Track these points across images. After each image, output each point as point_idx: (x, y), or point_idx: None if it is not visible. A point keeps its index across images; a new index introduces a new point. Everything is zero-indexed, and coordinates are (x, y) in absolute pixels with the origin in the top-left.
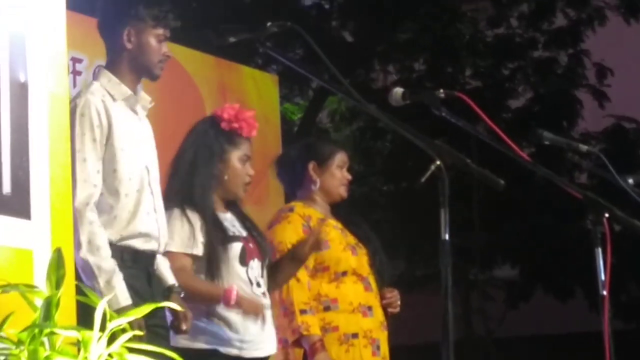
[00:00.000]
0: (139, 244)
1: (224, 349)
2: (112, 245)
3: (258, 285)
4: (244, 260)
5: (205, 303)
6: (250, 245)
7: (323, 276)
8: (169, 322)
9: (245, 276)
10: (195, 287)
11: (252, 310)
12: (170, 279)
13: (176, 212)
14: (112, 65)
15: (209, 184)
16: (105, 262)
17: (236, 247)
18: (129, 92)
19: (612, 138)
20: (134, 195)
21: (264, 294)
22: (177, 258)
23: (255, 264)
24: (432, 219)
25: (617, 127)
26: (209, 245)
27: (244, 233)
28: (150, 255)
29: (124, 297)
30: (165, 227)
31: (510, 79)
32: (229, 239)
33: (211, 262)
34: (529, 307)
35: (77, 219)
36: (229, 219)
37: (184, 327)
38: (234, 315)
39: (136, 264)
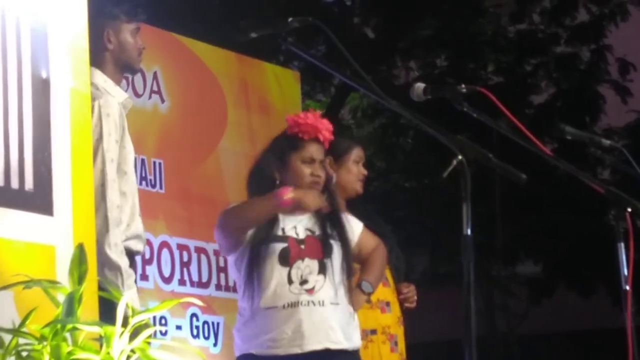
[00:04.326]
0: (134, 244)
1: (257, 351)
2: None
3: (303, 282)
4: (286, 260)
5: (263, 214)
6: (302, 246)
7: None
8: None
9: (284, 275)
10: (247, 205)
11: (310, 200)
12: None
13: None
14: (98, 67)
15: (268, 185)
16: (127, 265)
17: (276, 247)
18: (126, 94)
19: (635, 133)
20: (133, 197)
21: (308, 290)
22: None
23: (305, 263)
24: (455, 215)
25: (639, 122)
26: (252, 241)
27: (301, 235)
28: (138, 256)
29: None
30: None
31: (532, 75)
32: (271, 238)
33: (252, 258)
34: (551, 304)
35: (112, 220)
36: (291, 220)
37: None
38: (267, 315)
39: (131, 267)
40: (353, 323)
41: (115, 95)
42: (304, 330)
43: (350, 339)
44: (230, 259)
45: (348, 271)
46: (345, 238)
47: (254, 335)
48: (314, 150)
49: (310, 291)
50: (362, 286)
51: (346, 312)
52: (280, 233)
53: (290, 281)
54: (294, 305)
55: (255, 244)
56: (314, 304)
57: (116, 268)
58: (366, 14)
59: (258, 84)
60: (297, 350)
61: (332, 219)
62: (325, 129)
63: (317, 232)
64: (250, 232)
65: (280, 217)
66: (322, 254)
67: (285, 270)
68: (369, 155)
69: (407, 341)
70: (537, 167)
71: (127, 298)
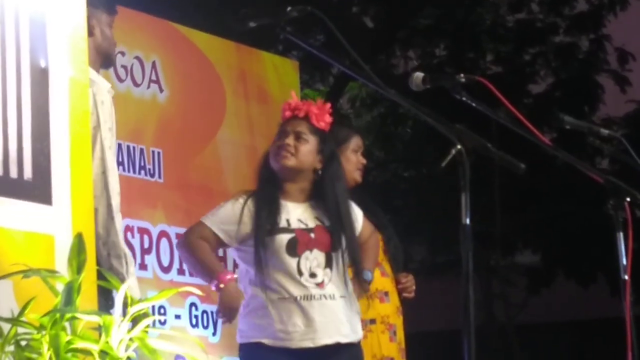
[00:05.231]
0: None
1: (268, 341)
2: None
3: (312, 275)
4: (293, 251)
5: (201, 275)
6: (311, 235)
7: None
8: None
9: (294, 266)
10: (199, 257)
11: (223, 304)
12: None
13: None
14: None
15: (268, 174)
16: (129, 252)
17: (282, 239)
18: (108, 84)
19: (634, 123)
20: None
21: (318, 284)
22: (204, 228)
23: (313, 255)
24: (453, 205)
25: (638, 112)
26: (255, 235)
27: (311, 224)
28: None
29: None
30: None
31: (531, 64)
32: (276, 230)
33: (257, 251)
34: (550, 293)
35: (115, 207)
36: (295, 209)
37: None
38: (279, 306)
39: None
40: (357, 314)
41: (102, 85)
42: (316, 324)
43: (356, 331)
44: (233, 251)
45: (354, 261)
46: (353, 228)
47: (265, 325)
48: (289, 125)
49: (320, 285)
50: (363, 275)
51: (353, 304)
52: (285, 225)
53: (300, 272)
54: (307, 298)
55: (260, 236)
56: (326, 298)
57: (123, 255)
58: (365, 4)
59: (257, 74)
60: (309, 344)
61: (338, 209)
62: (288, 108)
63: (327, 222)
64: (250, 226)
65: (283, 207)
66: (330, 247)
67: (294, 260)
68: (367, 144)
69: (405, 331)
70: (536, 156)
71: (128, 285)
